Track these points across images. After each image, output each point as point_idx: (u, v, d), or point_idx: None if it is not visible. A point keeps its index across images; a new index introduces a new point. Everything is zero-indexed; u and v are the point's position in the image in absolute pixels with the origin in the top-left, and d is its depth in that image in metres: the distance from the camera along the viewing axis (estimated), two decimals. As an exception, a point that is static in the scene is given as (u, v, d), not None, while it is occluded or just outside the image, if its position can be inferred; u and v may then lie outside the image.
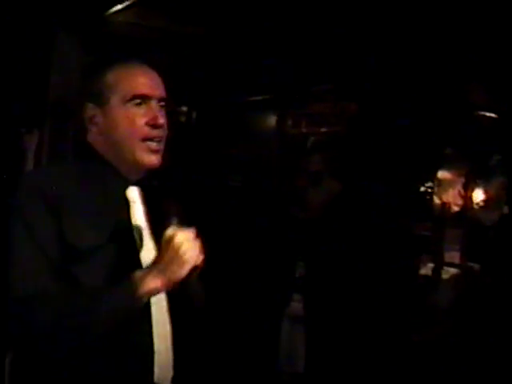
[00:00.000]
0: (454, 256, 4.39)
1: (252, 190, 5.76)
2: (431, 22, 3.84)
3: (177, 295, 1.66)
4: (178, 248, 1.50)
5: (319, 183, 5.06)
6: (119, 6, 4.80)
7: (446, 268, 4.37)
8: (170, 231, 1.53)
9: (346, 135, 4.93)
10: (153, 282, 1.50)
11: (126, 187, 1.68)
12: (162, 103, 1.71)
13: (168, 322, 1.68)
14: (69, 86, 5.18)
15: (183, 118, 6.82)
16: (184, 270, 1.51)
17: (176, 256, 1.50)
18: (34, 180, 1.63)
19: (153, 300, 1.61)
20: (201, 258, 1.54)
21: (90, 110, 1.68)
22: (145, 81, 1.67)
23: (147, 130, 1.64)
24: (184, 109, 6.80)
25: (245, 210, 5.47)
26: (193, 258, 1.51)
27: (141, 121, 1.64)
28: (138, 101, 1.64)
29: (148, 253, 1.63)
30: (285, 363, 3.38)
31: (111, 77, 1.67)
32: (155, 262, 1.53)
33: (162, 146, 1.69)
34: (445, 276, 4.34)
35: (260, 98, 5.85)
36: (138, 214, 1.68)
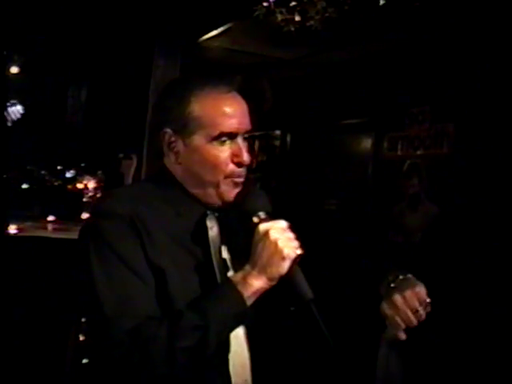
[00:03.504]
0: None
1: (347, 213, 5.69)
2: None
3: (256, 321, 1.61)
4: (276, 243, 1.43)
5: (416, 206, 4.96)
6: (214, 32, 4.89)
7: None
8: (262, 227, 1.46)
9: (443, 157, 4.81)
10: (258, 282, 1.45)
11: (204, 215, 1.60)
12: (246, 135, 1.61)
13: (246, 352, 1.59)
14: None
15: (277, 142, 6.94)
16: (286, 265, 1.43)
17: (275, 252, 1.43)
18: (113, 203, 1.55)
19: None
20: (298, 247, 1.45)
21: (170, 136, 1.59)
22: (233, 115, 1.58)
23: (232, 168, 1.57)
24: (278, 132, 6.87)
25: (340, 234, 5.40)
26: (293, 251, 1.44)
27: (226, 159, 1.56)
28: (225, 138, 1.56)
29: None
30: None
31: (197, 107, 1.57)
32: (253, 261, 1.46)
33: (244, 178, 1.62)
34: None
35: (355, 120, 5.81)
36: (216, 241, 1.60)
